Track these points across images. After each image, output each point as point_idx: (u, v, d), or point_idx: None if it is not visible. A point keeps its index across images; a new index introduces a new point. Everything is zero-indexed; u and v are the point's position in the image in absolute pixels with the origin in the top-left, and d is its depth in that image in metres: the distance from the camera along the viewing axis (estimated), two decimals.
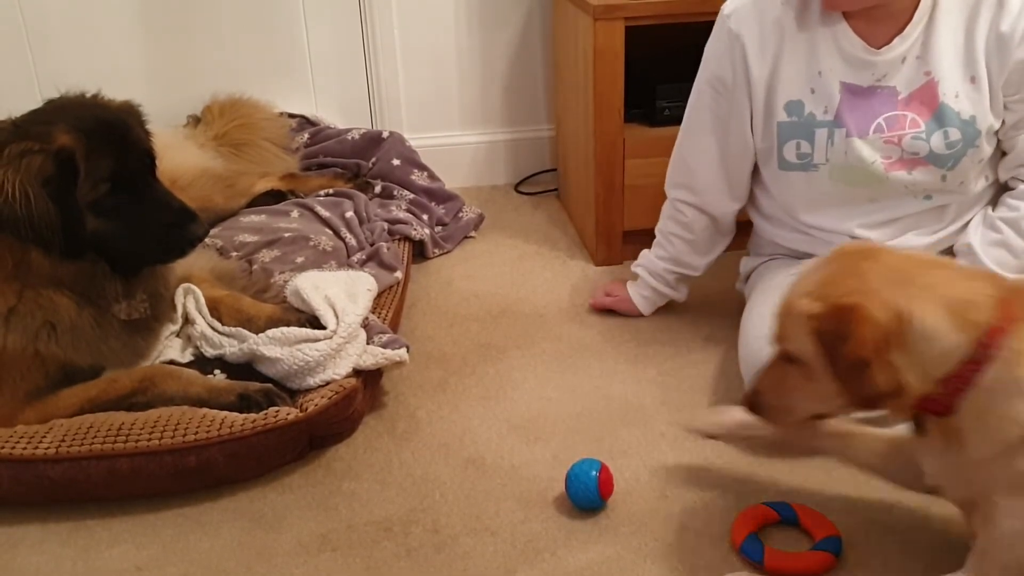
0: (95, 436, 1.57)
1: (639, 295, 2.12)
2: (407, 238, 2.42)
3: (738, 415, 1.52)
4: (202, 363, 1.78)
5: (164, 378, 1.68)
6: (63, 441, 1.56)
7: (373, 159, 2.68)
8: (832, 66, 1.67)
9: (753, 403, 1.35)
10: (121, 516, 1.58)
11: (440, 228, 2.59)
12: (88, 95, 1.73)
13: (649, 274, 2.09)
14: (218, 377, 1.73)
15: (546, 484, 1.63)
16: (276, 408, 1.63)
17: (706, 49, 1.83)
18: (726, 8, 1.77)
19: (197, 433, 1.57)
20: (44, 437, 1.57)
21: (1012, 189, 1.73)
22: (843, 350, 1.16)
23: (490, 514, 1.57)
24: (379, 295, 2.10)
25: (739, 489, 1.57)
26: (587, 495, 1.53)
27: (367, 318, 1.84)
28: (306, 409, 1.64)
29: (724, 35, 1.77)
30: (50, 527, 1.56)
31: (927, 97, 1.65)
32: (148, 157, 1.71)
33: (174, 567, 1.48)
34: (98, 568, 1.48)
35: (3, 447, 1.55)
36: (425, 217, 2.55)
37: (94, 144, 1.60)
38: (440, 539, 1.52)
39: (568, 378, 1.94)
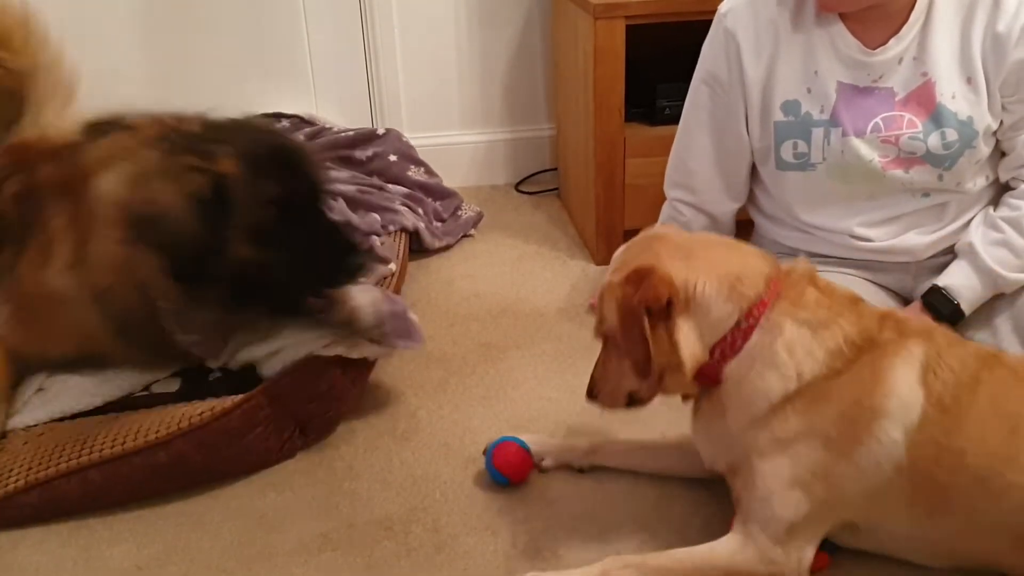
0: (60, 455, 1.57)
1: None
2: (403, 229, 2.42)
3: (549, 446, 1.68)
4: (196, 381, 1.75)
5: None
6: (30, 469, 1.56)
7: (370, 152, 2.66)
8: (829, 66, 1.67)
9: (590, 391, 1.50)
10: (122, 515, 1.58)
11: (439, 224, 2.59)
12: (264, 124, 1.75)
13: None
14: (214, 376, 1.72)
15: (546, 484, 1.63)
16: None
17: (703, 48, 1.83)
18: (722, 7, 1.77)
19: (159, 431, 1.57)
20: (12, 471, 1.57)
21: (1013, 189, 1.73)
22: (638, 304, 1.29)
23: (490, 514, 1.57)
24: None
25: None
26: (488, 468, 1.62)
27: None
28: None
29: (720, 34, 1.77)
30: (51, 526, 1.56)
31: (924, 98, 1.65)
32: (313, 189, 1.66)
33: (175, 566, 1.48)
34: (99, 567, 1.48)
35: None
36: (420, 211, 2.55)
37: (259, 170, 1.57)
38: (441, 538, 1.52)
39: (568, 378, 1.94)
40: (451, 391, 1.91)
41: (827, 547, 1.41)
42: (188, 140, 1.59)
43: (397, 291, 2.17)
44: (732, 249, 1.40)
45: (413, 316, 1.80)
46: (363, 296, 1.75)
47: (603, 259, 2.44)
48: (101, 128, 1.74)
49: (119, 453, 1.56)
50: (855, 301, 1.38)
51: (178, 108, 2.62)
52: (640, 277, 1.31)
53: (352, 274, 1.66)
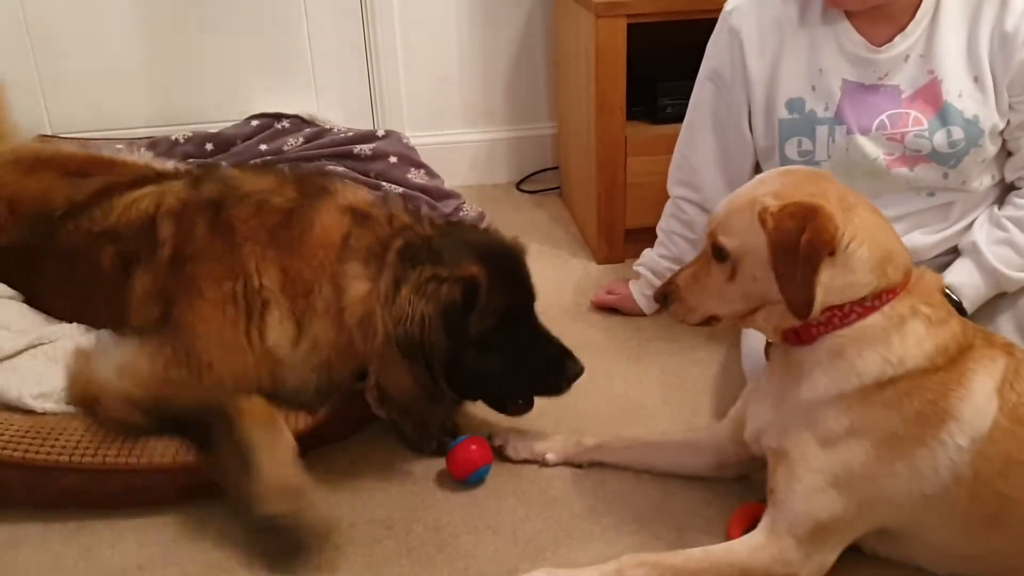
0: (108, 448, 1.56)
1: (641, 294, 2.12)
2: None
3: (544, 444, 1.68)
4: None
5: (263, 426, 1.51)
6: (76, 448, 1.55)
7: (369, 153, 2.65)
8: (834, 64, 1.67)
9: (666, 293, 1.44)
10: (123, 515, 1.57)
11: None
12: (483, 226, 1.73)
13: (652, 273, 2.09)
14: None
15: (547, 483, 1.63)
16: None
17: (708, 46, 1.83)
18: (728, 5, 1.78)
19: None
20: (56, 441, 1.56)
21: (1019, 188, 1.72)
22: (798, 241, 1.24)
23: (491, 513, 1.57)
24: None
25: (739, 488, 1.56)
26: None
27: None
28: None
29: (724, 31, 1.77)
30: (52, 526, 1.56)
31: (931, 96, 1.64)
32: (532, 296, 1.68)
33: (176, 566, 1.47)
34: (100, 567, 1.48)
35: (16, 450, 1.55)
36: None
37: (494, 279, 1.57)
38: (441, 537, 1.52)
39: None
40: None
41: None
42: (432, 248, 1.58)
43: None
44: (887, 224, 1.35)
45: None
46: None
47: (604, 258, 2.44)
48: (314, 186, 1.73)
49: (167, 465, 1.56)
50: (955, 312, 1.37)
51: (179, 107, 2.60)
52: (805, 214, 1.25)
53: (567, 384, 1.63)
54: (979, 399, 1.26)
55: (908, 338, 1.28)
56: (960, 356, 1.29)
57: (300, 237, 1.63)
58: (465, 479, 1.61)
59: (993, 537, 1.29)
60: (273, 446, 1.49)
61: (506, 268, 1.62)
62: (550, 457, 1.66)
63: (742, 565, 1.31)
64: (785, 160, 1.76)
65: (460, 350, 1.55)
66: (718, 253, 1.36)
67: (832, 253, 1.25)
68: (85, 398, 1.60)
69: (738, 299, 1.36)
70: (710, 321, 1.43)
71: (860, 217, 1.29)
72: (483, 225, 1.71)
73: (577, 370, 1.61)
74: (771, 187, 1.33)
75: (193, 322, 1.61)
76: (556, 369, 1.61)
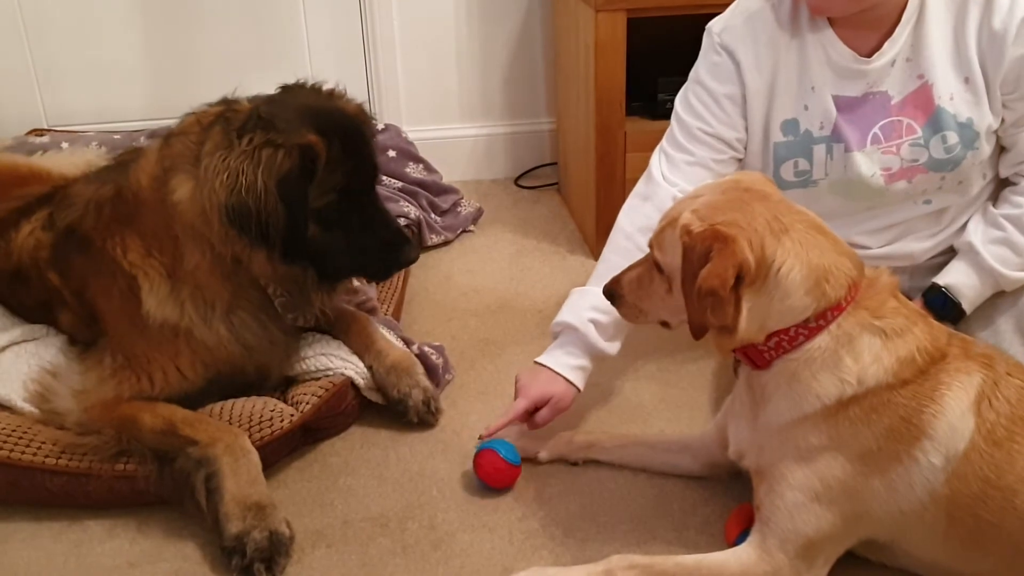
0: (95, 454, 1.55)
1: None
2: (410, 221, 2.40)
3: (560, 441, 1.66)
4: None
5: (227, 451, 1.51)
6: (63, 452, 1.54)
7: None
8: (824, 80, 1.63)
9: (612, 294, 1.44)
10: (114, 512, 1.56)
11: (437, 218, 2.57)
12: (325, 90, 1.65)
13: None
14: None
15: (543, 481, 1.62)
16: (272, 416, 1.61)
17: (696, 66, 1.74)
18: (714, 25, 1.70)
19: None
20: (43, 443, 1.55)
21: (1014, 185, 1.70)
22: (699, 273, 1.23)
23: (487, 511, 1.55)
24: (380, 287, 2.09)
25: (737, 487, 1.55)
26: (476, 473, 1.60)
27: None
28: (296, 403, 1.65)
29: (716, 53, 1.68)
30: (43, 523, 1.55)
31: (921, 101, 1.62)
32: (375, 170, 1.64)
33: (167, 563, 1.46)
34: (91, 564, 1.47)
35: (0, 449, 1.53)
36: (416, 204, 2.52)
37: (334, 152, 1.52)
38: (437, 535, 1.51)
39: None
40: (448, 387, 1.89)
41: None
42: (261, 116, 1.51)
43: (403, 290, 2.16)
44: (827, 239, 1.30)
45: (440, 360, 1.88)
46: (411, 378, 1.77)
47: None
48: (126, 156, 1.75)
49: (156, 471, 1.56)
50: (925, 316, 1.32)
51: (175, 100, 2.60)
52: (712, 241, 1.22)
53: (402, 265, 1.67)
54: (953, 416, 1.23)
55: (862, 355, 1.25)
56: (932, 367, 1.25)
57: (135, 200, 1.62)
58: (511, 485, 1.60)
59: (978, 558, 1.27)
60: (237, 470, 1.49)
61: (347, 142, 1.55)
62: (542, 455, 1.65)
63: None
64: (781, 182, 1.67)
65: (301, 224, 1.51)
66: (657, 265, 1.36)
67: (735, 286, 1.22)
68: (51, 422, 1.61)
69: (678, 311, 1.33)
70: (664, 324, 1.42)
71: (792, 239, 1.25)
72: (325, 88, 1.65)
73: (411, 257, 1.64)
74: (701, 204, 1.29)
75: (112, 335, 1.63)
76: (392, 252, 1.62)
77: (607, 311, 1.56)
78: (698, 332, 1.28)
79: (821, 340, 1.26)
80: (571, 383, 1.64)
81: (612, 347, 1.67)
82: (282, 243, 1.51)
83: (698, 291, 1.23)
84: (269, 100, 1.58)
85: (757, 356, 1.31)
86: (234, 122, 1.53)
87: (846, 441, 1.26)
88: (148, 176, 1.61)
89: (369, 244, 1.59)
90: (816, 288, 1.25)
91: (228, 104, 1.59)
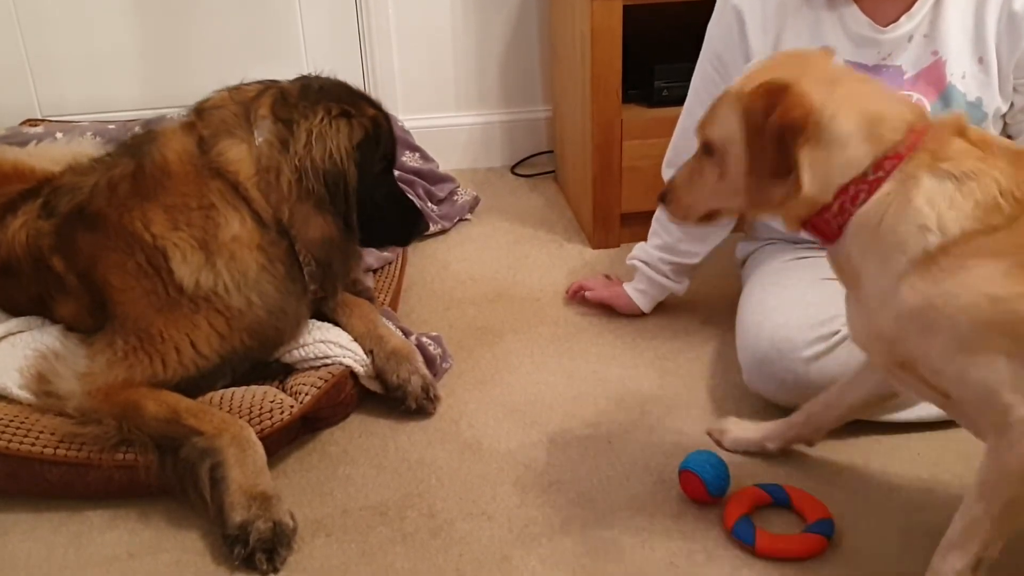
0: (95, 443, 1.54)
1: (636, 290, 2.05)
2: None
3: (750, 433, 1.62)
4: None
5: (233, 442, 1.50)
6: (61, 442, 1.53)
7: None
8: (836, 44, 1.64)
9: (666, 196, 1.43)
10: (114, 502, 1.56)
11: (434, 207, 2.57)
12: (344, 83, 1.72)
13: (647, 266, 2.03)
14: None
15: (543, 468, 1.62)
16: (272, 407, 1.60)
17: (708, 28, 1.81)
18: None
19: None
20: (41, 433, 1.54)
21: None
22: (767, 121, 1.19)
23: (486, 499, 1.56)
24: (377, 277, 2.09)
25: (736, 472, 1.55)
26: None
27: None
28: (295, 394, 1.64)
29: (726, 12, 1.75)
30: (43, 513, 1.55)
31: (934, 77, 1.63)
32: (395, 151, 1.76)
33: (167, 553, 1.47)
34: (91, 554, 1.47)
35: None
36: (413, 193, 2.52)
37: (387, 125, 1.68)
38: (436, 524, 1.51)
39: (565, 362, 1.93)
40: (446, 375, 1.89)
41: (823, 530, 1.41)
42: (309, 94, 1.61)
43: (401, 279, 2.16)
44: (882, 90, 1.26)
45: (438, 350, 1.89)
46: (408, 366, 1.78)
47: (599, 242, 2.43)
48: (136, 139, 1.75)
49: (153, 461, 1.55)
50: (1020, 155, 1.20)
51: (170, 91, 2.59)
52: (773, 92, 1.19)
53: (422, 231, 1.86)
54: None
55: (936, 200, 1.15)
56: None
57: (160, 174, 1.61)
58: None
59: None
60: (243, 460, 1.49)
61: (386, 118, 1.71)
62: (770, 446, 1.60)
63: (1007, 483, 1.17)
64: None
65: (369, 188, 1.64)
66: (707, 148, 1.32)
67: (804, 130, 1.18)
68: (50, 408, 1.59)
69: (732, 192, 1.29)
70: (711, 216, 1.38)
71: (846, 88, 1.21)
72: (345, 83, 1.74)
73: (425, 227, 1.90)
74: (754, 72, 1.28)
75: (125, 314, 1.60)
76: (413, 221, 1.79)
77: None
78: (765, 202, 1.25)
79: (887, 189, 1.19)
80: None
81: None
82: (347, 207, 1.61)
83: (768, 144, 1.18)
84: (305, 83, 1.66)
85: (826, 227, 1.24)
86: (290, 95, 1.61)
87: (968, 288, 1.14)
88: (175, 151, 1.62)
89: (396, 212, 1.74)
90: (872, 133, 1.19)
91: (264, 86, 1.66)
